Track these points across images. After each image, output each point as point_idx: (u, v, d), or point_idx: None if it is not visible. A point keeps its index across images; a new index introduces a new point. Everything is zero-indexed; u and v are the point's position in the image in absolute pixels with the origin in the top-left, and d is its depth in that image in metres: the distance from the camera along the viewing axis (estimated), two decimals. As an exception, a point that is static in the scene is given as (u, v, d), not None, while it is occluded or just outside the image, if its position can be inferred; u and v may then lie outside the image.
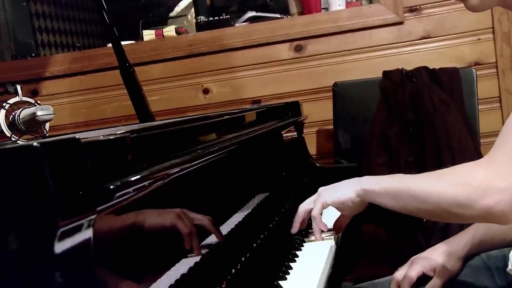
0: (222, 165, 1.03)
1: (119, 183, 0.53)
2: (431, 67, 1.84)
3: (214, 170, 0.99)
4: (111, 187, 0.52)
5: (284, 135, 1.63)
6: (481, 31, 2.01)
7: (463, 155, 1.68)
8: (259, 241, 1.08)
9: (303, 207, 1.05)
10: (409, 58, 2.04)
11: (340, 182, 1.04)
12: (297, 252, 0.99)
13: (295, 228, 1.06)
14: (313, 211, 1.01)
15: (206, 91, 2.17)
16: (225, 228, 0.98)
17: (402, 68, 1.86)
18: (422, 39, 2.06)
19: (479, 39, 2.01)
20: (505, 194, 0.75)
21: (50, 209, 0.45)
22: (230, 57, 2.15)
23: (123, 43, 1.66)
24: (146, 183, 0.62)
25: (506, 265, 1.01)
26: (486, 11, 1.95)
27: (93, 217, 0.49)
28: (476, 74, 1.84)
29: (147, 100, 1.62)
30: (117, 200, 0.54)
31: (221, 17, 2.22)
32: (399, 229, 1.73)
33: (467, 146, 1.70)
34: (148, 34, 2.19)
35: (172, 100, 2.18)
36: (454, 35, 2.03)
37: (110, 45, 2.00)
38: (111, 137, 0.57)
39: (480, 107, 1.84)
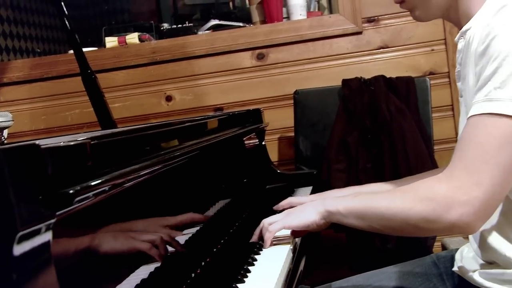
0: (183, 171, 1.05)
1: (78, 188, 0.54)
2: (388, 76, 1.90)
3: (176, 176, 1.01)
4: (71, 191, 0.53)
5: (246, 142, 1.65)
6: (434, 42, 2.09)
7: (418, 160, 1.74)
8: (219, 246, 1.10)
9: (267, 222, 1.06)
10: (368, 67, 2.10)
11: (305, 204, 1.07)
12: (256, 256, 1.01)
13: (254, 239, 1.08)
14: (272, 227, 1.03)
15: (168, 98, 2.18)
16: (186, 233, 1.00)
17: (361, 77, 1.92)
18: (380, 49, 2.13)
19: (432, 50, 2.09)
20: (467, 207, 0.80)
21: (10, 213, 0.46)
22: (193, 65, 2.16)
23: (85, 49, 1.66)
24: (105, 188, 0.63)
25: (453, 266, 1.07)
26: (438, 24, 2.03)
27: (52, 221, 0.51)
28: (430, 83, 1.91)
29: (109, 107, 1.62)
30: (77, 205, 0.55)
31: (184, 25, 2.24)
32: (358, 233, 1.78)
33: (421, 152, 1.76)
34: (111, 41, 2.19)
35: (134, 107, 2.18)
36: (410, 46, 2.11)
37: (71, 51, 1.99)
38: (71, 143, 0.58)
39: (433, 114, 1.91)
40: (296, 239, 1.12)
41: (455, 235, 1.83)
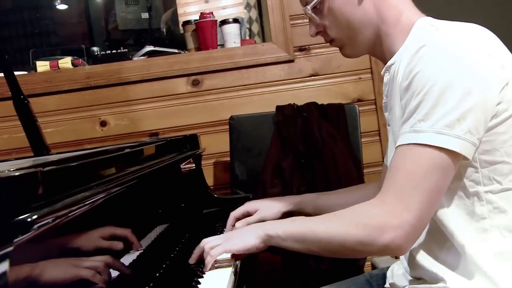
0: (122, 198, 1.05)
1: (35, 216, 0.55)
2: (319, 102, 1.99)
3: (115, 203, 1.01)
4: (28, 220, 0.53)
5: (182, 167, 1.67)
6: (361, 71, 2.21)
7: (349, 184, 1.82)
8: (161, 271, 1.11)
9: (207, 243, 1.07)
10: (300, 94, 2.19)
11: (245, 228, 1.10)
12: (199, 279, 1.02)
13: (193, 260, 1.09)
14: (214, 251, 1.05)
15: (103, 124, 2.16)
16: (126, 259, 1.00)
17: (294, 103, 1.99)
18: (311, 76, 2.22)
19: (360, 78, 2.22)
20: (398, 231, 0.87)
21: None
22: (128, 90, 2.16)
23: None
24: (49, 219, 0.63)
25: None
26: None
27: (10, 249, 0.51)
28: (359, 110, 2.01)
29: (43, 133, 1.59)
30: (33, 232, 0.55)
31: (119, 51, 2.24)
32: (293, 255, 1.82)
33: (352, 176, 1.85)
34: (43, 65, 2.14)
35: (68, 133, 2.14)
36: (339, 74, 2.22)
37: (1, 74, 1.93)
38: (24, 172, 0.59)
39: (362, 139, 2.02)
40: (237, 261, 1.14)
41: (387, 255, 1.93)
